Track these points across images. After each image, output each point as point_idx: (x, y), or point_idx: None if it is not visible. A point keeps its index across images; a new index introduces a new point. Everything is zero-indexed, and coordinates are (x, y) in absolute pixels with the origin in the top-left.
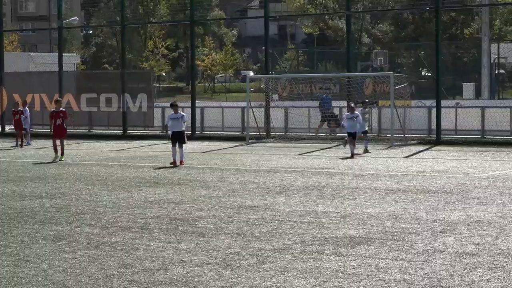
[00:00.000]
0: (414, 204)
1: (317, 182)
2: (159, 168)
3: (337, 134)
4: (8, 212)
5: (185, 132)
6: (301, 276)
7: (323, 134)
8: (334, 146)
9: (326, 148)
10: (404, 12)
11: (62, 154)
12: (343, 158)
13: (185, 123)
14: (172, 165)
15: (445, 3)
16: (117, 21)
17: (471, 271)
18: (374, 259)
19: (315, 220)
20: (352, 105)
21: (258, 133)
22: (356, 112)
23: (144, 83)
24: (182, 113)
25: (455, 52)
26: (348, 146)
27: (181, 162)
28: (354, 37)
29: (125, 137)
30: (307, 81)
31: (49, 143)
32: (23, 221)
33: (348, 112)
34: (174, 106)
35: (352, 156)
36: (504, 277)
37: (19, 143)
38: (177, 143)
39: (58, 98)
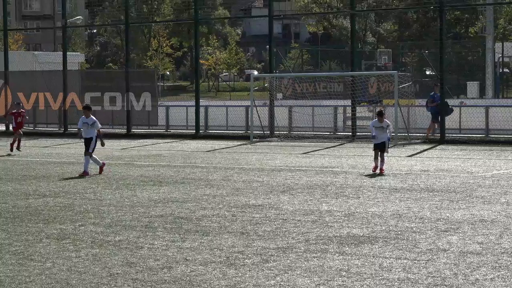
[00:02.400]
0: (418, 203)
1: (321, 181)
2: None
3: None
4: (12, 211)
5: (100, 138)
6: (305, 275)
7: (327, 133)
8: (338, 145)
9: (330, 147)
10: (409, 11)
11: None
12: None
13: (98, 130)
14: (99, 173)
15: (449, 2)
16: (121, 20)
17: (475, 270)
18: (378, 258)
19: (319, 219)
20: (381, 109)
21: (262, 132)
22: (386, 121)
23: (148, 82)
24: (94, 118)
25: (459, 51)
26: None
27: (84, 172)
28: (358, 36)
29: (129, 136)
30: (311, 80)
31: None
32: (27, 219)
33: (375, 119)
34: (86, 109)
35: (381, 171)
36: (508, 276)
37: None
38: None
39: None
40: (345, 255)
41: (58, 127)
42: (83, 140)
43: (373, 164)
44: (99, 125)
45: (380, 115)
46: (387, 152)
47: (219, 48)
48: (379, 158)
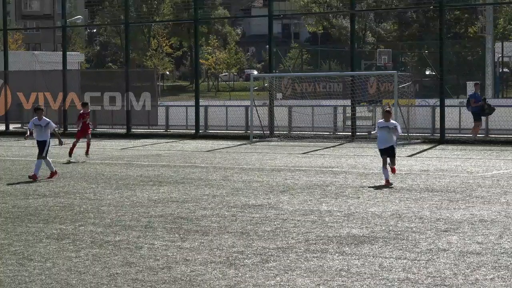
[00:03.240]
0: (418, 203)
1: (320, 181)
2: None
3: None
4: (12, 211)
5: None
6: (305, 275)
7: (327, 133)
8: (338, 145)
9: (330, 147)
10: (408, 10)
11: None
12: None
13: (53, 130)
14: (49, 177)
15: (449, 2)
16: (121, 20)
17: (475, 270)
18: (378, 258)
19: (319, 219)
20: (388, 108)
21: (262, 132)
22: (393, 121)
23: (148, 81)
24: (47, 119)
25: (459, 51)
26: None
27: (33, 175)
28: (358, 36)
29: (128, 135)
30: (310, 80)
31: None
32: (27, 219)
33: (381, 119)
34: (38, 110)
35: (393, 170)
36: (508, 276)
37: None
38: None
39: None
40: (345, 255)
41: (57, 127)
42: (33, 141)
43: (383, 178)
44: (54, 125)
45: (387, 113)
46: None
47: (219, 48)
48: (388, 164)
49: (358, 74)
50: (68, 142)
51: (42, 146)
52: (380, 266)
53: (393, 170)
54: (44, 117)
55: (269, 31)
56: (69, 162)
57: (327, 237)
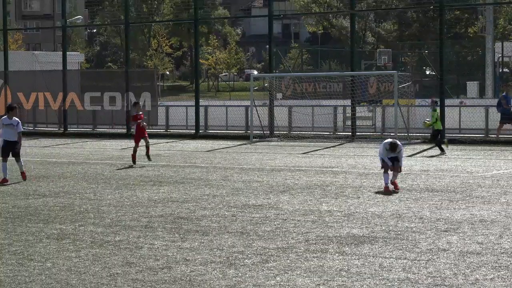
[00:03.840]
0: (418, 203)
1: (320, 181)
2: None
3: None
4: (12, 211)
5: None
6: (305, 275)
7: (327, 133)
8: (338, 145)
9: (330, 147)
10: (408, 10)
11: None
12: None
13: (19, 133)
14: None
15: (449, 2)
16: (121, 20)
17: (475, 270)
18: (378, 258)
19: (319, 219)
20: (395, 142)
21: (262, 132)
22: (400, 144)
23: (148, 81)
24: (17, 119)
25: (459, 51)
26: None
27: (22, 174)
28: (358, 36)
29: (129, 135)
30: (310, 80)
31: (56, 141)
32: (27, 219)
33: (387, 149)
34: (13, 108)
35: (395, 186)
36: (508, 276)
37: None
38: (8, 157)
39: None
40: (345, 255)
41: (57, 127)
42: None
43: (383, 184)
44: (21, 128)
45: (393, 149)
46: (401, 164)
47: (219, 48)
48: (392, 171)
49: (358, 74)
50: (64, 142)
51: (10, 146)
52: (380, 266)
53: (395, 187)
54: (14, 117)
55: (269, 31)
56: (131, 167)
57: (327, 237)
